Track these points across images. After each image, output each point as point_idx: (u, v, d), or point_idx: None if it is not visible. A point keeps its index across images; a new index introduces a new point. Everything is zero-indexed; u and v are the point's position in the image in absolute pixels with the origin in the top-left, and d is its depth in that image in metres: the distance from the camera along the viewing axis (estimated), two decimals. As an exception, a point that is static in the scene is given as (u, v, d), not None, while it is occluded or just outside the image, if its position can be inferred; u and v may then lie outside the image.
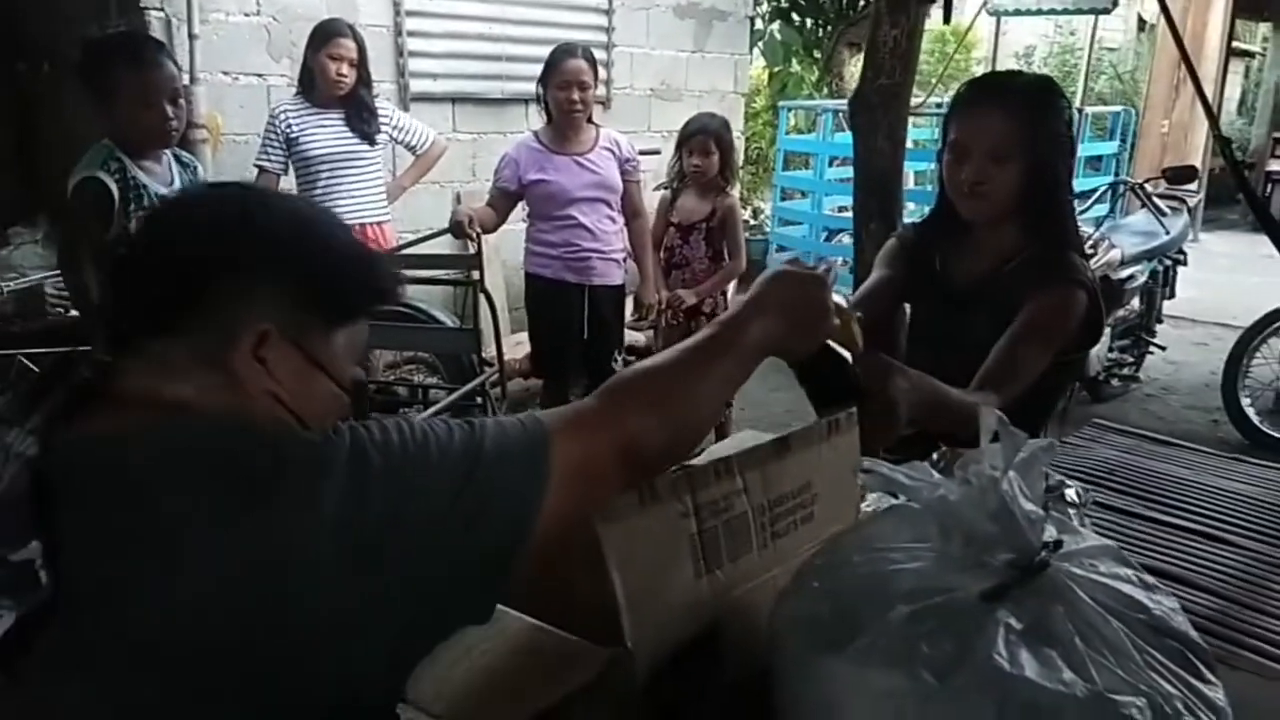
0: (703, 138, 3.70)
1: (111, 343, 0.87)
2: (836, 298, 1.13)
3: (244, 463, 0.78)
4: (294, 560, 0.76)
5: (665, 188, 4.00)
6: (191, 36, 3.89)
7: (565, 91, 3.42)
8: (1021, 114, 1.66)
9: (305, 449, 0.81)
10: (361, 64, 3.60)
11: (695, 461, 1.11)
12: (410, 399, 3.98)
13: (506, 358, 3.63)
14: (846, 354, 1.20)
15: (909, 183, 5.28)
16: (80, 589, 0.76)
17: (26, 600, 0.74)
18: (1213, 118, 4.14)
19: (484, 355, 3.58)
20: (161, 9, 3.99)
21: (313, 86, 3.62)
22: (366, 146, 3.68)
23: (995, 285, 1.74)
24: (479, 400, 3.57)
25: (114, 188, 2.38)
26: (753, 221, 7.55)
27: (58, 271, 3.52)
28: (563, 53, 3.47)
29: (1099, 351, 4.67)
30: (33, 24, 4.59)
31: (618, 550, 0.95)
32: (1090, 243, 4.52)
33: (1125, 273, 4.69)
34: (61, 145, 4.38)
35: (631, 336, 4.51)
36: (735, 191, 3.95)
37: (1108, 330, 4.74)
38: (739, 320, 1.02)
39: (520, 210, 3.71)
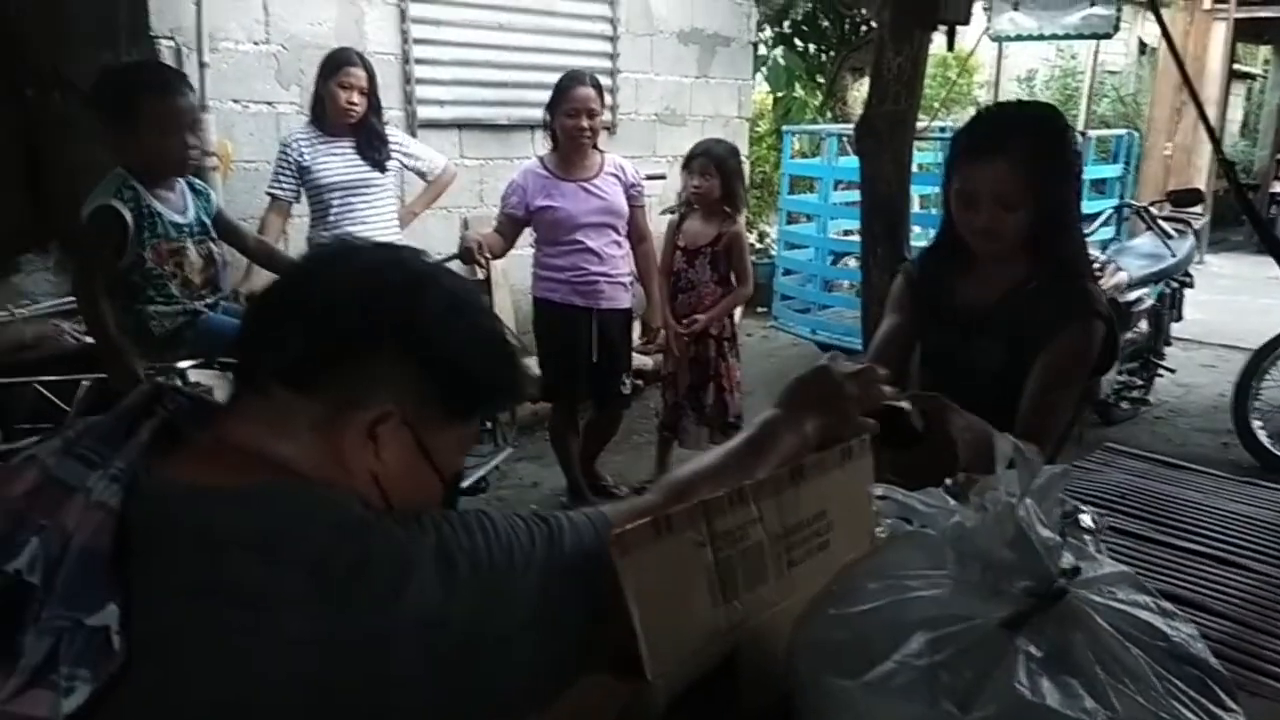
0: (703, 160, 3.73)
1: (238, 379, 0.87)
2: (900, 402, 1.22)
3: (330, 553, 0.77)
4: (370, 656, 0.75)
5: (673, 211, 4.02)
6: (201, 65, 3.93)
7: (574, 119, 3.45)
8: (1028, 161, 1.65)
9: (392, 546, 0.80)
10: (372, 92, 3.63)
11: None
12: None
13: (515, 382, 3.63)
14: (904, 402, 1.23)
15: (915, 206, 5.30)
16: (155, 649, 0.74)
17: (101, 673, 0.72)
18: (1215, 141, 4.16)
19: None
20: (171, 38, 4.03)
21: (324, 115, 3.65)
22: (378, 173, 3.71)
23: (1007, 312, 1.76)
24: (489, 424, 3.58)
25: (128, 216, 2.40)
26: (759, 245, 7.57)
27: (70, 298, 3.54)
28: (571, 80, 3.50)
29: (1109, 375, 4.65)
30: (41, 51, 4.63)
31: (635, 580, 0.95)
32: (1096, 266, 4.53)
33: (1132, 296, 4.69)
34: (71, 173, 4.42)
35: (639, 360, 4.53)
36: (742, 217, 3.95)
37: (1115, 353, 4.73)
38: (776, 427, 1.08)
39: (527, 235, 3.73)
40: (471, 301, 0.93)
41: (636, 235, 3.74)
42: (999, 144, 1.68)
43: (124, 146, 2.45)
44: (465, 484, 3.25)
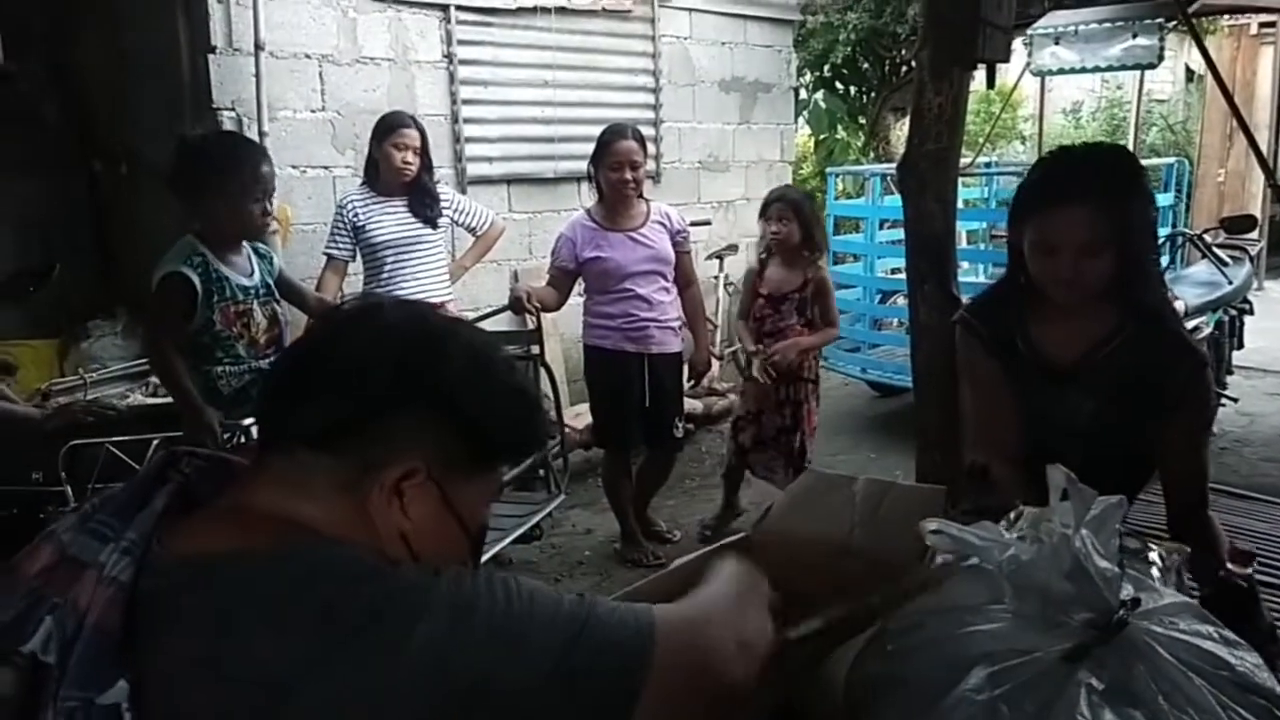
0: (780, 206, 3.76)
1: (261, 440, 0.87)
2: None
3: (340, 602, 0.76)
4: (381, 700, 0.74)
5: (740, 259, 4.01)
6: (261, 134, 4.08)
7: (618, 172, 3.53)
8: (1107, 209, 1.59)
9: (404, 593, 0.79)
10: (424, 151, 3.76)
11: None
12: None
13: (567, 429, 3.67)
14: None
15: (961, 242, 5.28)
16: None
17: None
18: (1267, 167, 4.11)
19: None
20: (233, 109, 4.19)
21: (377, 176, 3.77)
22: (430, 230, 3.82)
23: (1103, 365, 1.69)
24: (541, 472, 3.61)
25: (197, 281, 2.49)
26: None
27: (136, 361, 3.67)
28: (613, 134, 3.58)
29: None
30: (108, 125, 4.85)
31: None
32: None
33: (1190, 325, 4.61)
34: (137, 241, 4.60)
35: (690, 404, 4.54)
36: (824, 260, 3.95)
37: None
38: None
39: (577, 285, 3.79)
40: (492, 354, 0.93)
41: (683, 280, 3.79)
42: (1075, 191, 1.61)
43: (199, 214, 2.55)
44: (519, 532, 3.28)
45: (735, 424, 4.03)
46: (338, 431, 0.84)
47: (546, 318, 3.77)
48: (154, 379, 3.36)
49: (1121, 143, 9.55)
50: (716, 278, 6.15)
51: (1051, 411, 1.71)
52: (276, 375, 0.92)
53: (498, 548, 3.12)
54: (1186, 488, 1.68)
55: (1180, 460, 1.68)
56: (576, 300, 3.91)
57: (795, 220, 3.73)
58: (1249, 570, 1.18)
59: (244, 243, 2.66)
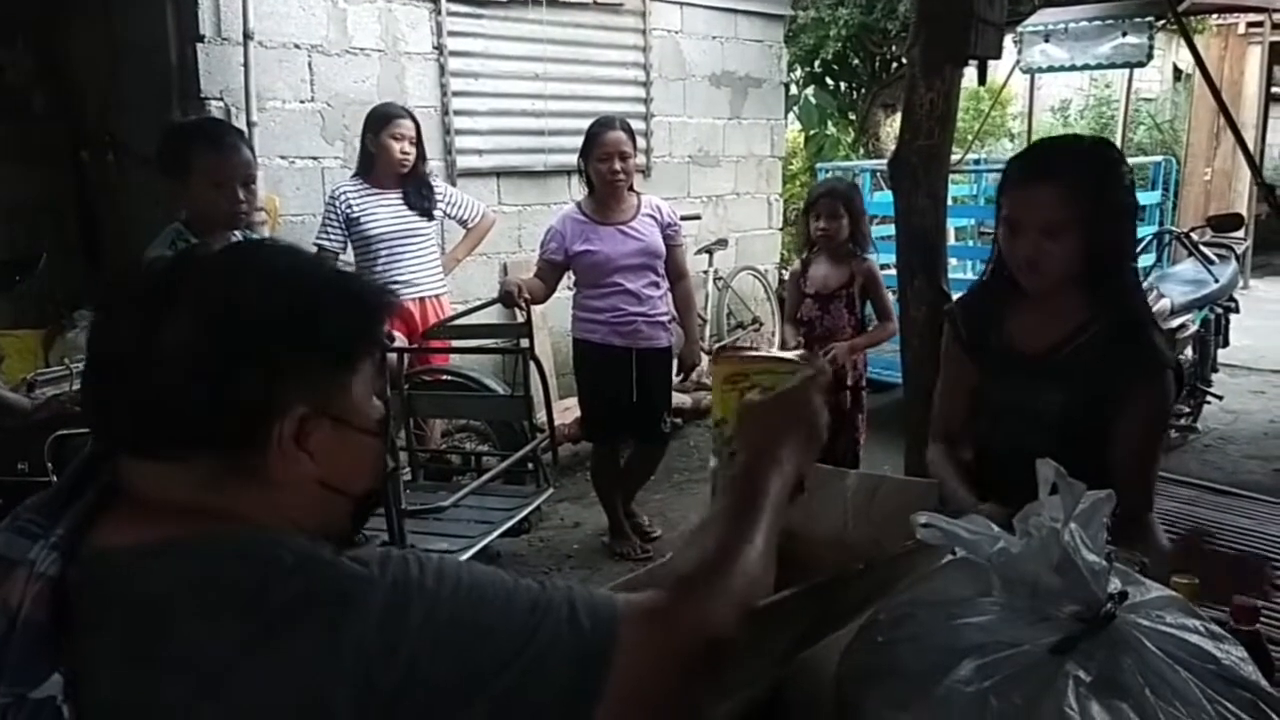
0: (829, 200, 3.65)
1: (127, 453, 0.81)
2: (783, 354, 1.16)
3: (266, 596, 0.74)
4: (309, 701, 0.72)
5: (795, 259, 3.85)
6: (250, 124, 4.05)
7: (606, 163, 3.52)
8: (1074, 187, 1.59)
9: (338, 581, 0.75)
10: (419, 142, 3.77)
11: None
12: (463, 466, 4.04)
13: (556, 423, 3.67)
14: None
15: (950, 238, 5.30)
16: (105, 714, 0.74)
17: None
18: (1254, 165, 4.14)
19: (535, 421, 3.64)
20: (221, 98, 4.17)
21: (370, 168, 3.77)
22: (423, 222, 3.82)
23: (1070, 360, 1.69)
24: (530, 466, 3.61)
25: (183, 268, 2.48)
26: (794, 282, 7.59)
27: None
28: (601, 126, 3.58)
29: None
30: (95, 115, 4.82)
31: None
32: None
33: (1176, 322, 4.65)
34: (124, 232, 4.58)
35: (678, 399, 4.55)
36: (873, 254, 3.79)
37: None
38: (757, 477, 0.96)
39: (566, 278, 3.79)
40: (275, 259, 0.87)
41: (675, 273, 3.78)
42: (1046, 170, 1.63)
43: (181, 199, 2.53)
44: (507, 525, 3.28)
45: None
46: (205, 430, 0.78)
47: (535, 311, 3.77)
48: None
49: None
50: (706, 272, 6.15)
51: (1022, 403, 1.71)
52: (96, 386, 0.83)
53: (485, 541, 3.12)
54: (1131, 492, 1.55)
55: (1127, 463, 1.62)
56: (566, 294, 3.90)
57: (846, 214, 3.60)
58: (1255, 626, 1.12)
59: (231, 232, 2.64)
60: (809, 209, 3.73)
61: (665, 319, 3.77)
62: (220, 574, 0.75)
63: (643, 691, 0.78)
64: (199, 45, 4.10)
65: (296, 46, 4.37)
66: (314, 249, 3.75)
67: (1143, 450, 1.66)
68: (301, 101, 4.43)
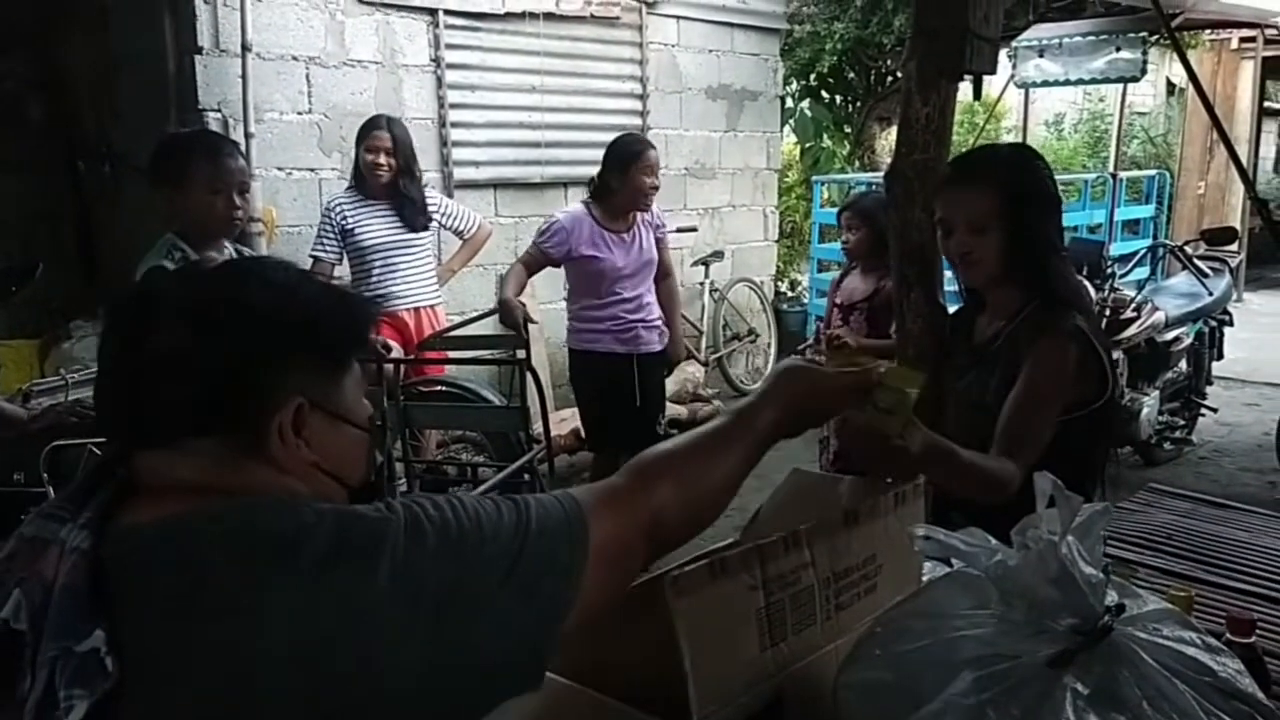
0: (849, 214, 3.67)
1: (140, 444, 0.87)
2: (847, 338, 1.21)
3: (299, 545, 0.79)
4: (355, 629, 0.78)
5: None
6: (247, 135, 4.07)
7: (650, 178, 3.56)
8: (994, 186, 1.78)
9: (362, 524, 0.83)
10: (398, 154, 3.74)
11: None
12: (459, 478, 4.02)
13: (552, 434, 3.66)
14: None
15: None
16: (148, 668, 0.77)
17: (96, 689, 0.75)
18: (1247, 179, 4.16)
19: (531, 432, 3.63)
20: (219, 110, 4.18)
21: (364, 179, 3.77)
22: (416, 234, 3.81)
23: (1002, 346, 1.84)
24: (526, 477, 3.61)
25: (177, 277, 2.49)
26: (790, 294, 7.61)
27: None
28: (641, 143, 3.65)
29: (1149, 415, 4.61)
30: (92, 126, 4.83)
31: (688, 622, 0.97)
32: (1133, 306, 4.51)
33: (1170, 335, 4.66)
34: (120, 242, 4.58)
35: (674, 410, 4.55)
36: None
37: (1156, 393, 4.70)
38: (753, 410, 1.08)
39: (558, 286, 3.79)
40: (269, 269, 0.95)
41: (661, 272, 3.80)
42: (969, 173, 1.87)
43: (175, 207, 2.54)
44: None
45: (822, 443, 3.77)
46: (198, 417, 0.85)
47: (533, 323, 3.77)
48: (137, 380, 3.33)
49: (1104, 155, 9.65)
50: (702, 284, 6.17)
51: (968, 388, 1.89)
52: (109, 388, 0.90)
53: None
54: (997, 439, 1.65)
55: (1002, 423, 1.68)
56: (558, 305, 3.90)
57: (864, 227, 3.58)
58: (1251, 639, 1.13)
59: (225, 242, 2.65)
60: (838, 221, 3.79)
61: (659, 322, 3.79)
62: (253, 526, 0.81)
63: (611, 554, 0.92)
64: (197, 57, 4.12)
65: (294, 58, 4.39)
66: (310, 260, 3.76)
67: (1015, 408, 1.69)
68: (299, 113, 4.44)
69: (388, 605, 0.79)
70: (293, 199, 4.44)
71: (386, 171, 3.72)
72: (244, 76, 4.05)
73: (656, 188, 3.62)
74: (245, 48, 4.03)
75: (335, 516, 0.83)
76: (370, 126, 3.76)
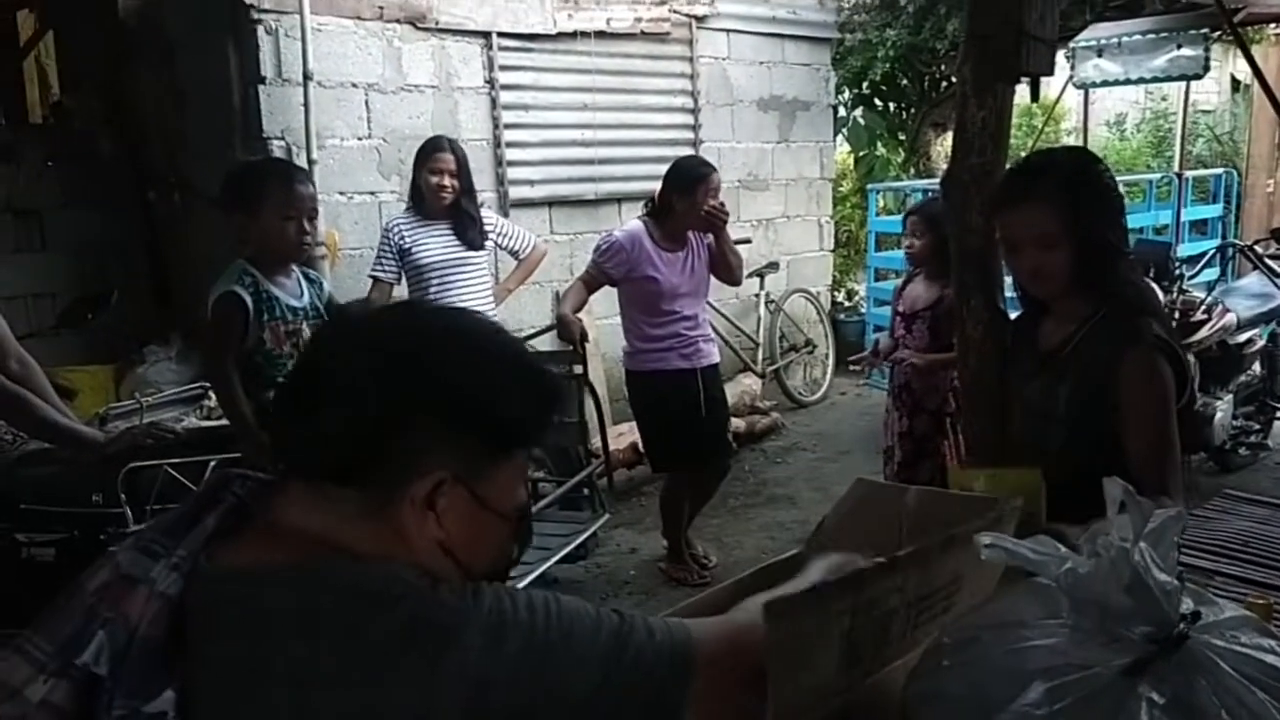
0: (913, 220, 3.64)
1: (281, 468, 0.87)
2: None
3: (365, 630, 0.77)
4: None
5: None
6: (310, 161, 4.17)
7: (715, 198, 3.60)
8: (1058, 201, 1.72)
9: (439, 614, 0.79)
10: (461, 175, 3.80)
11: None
12: (519, 493, 4.06)
13: (610, 448, 3.68)
14: None
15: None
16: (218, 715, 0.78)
17: None
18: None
19: (589, 447, 3.65)
20: (282, 138, 4.29)
21: (421, 200, 3.84)
22: (473, 252, 3.87)
23: (1073, 354, 1.79)
24: (585, 491, 3.63)
25: (249, 300, 2.56)
26: (848, 303, 7.55)
27: (190, 385, 3.75)
28: (707, 165, 3.68)
29: (1223, 420, 4.48)
30: (162, 157, 4.98)
31: (778, 645, 0.93)
32: (1203, 308, 4.40)
33: (1243, 337, 4.53)
34: (191, 269, 4.72)
35: (734, 423, 4.53)
36: None
37: (1230, 397, 4.57)
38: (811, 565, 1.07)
39: (614, 301, 3.81)
40: (482, 334, 0.91)
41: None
42: (1030, 188, 1.77)
43: (247, 234, 2.61)
44: (564, 552, 3.29)
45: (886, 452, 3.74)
46: (348, 465, 0.83)
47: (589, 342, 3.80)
48: (208, 403, 3.43)
49: (1168, 154, 9.41)
50: (758, 295, 6.15)
51: (1036, 397, 1.84)
52: (280, 405, 0.89)
53: (543, 568, 3.14)
54: (1144, 478, 1.58)
55: (1137, 452, 1.65)
56: (615, 319, 3.92)
57: (928, 234, 3.51)
58: None
59: (293, 266, 2.72)
60: (903, 228, 3.76)
61: (712, 335, 3.87)
62: (323, 603, 0.79)
63: (717, 705, 0.85)
64: (260, 87, 4.24)
65: (354, 85, 4.50)
66: (370, 280, 3.84)
67: (1142, 440, 1.67)
68: (359, 139, 4.54)
69: (446, 706, 0.76)
70: (354, 222, 4.54)
71: (451, 193, 3.78)
72: (306, 104, 4.15)
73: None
74: (306, 76, 4.13)
75: (410, 598, 0.79)
76: (432, 149, 3.81)
